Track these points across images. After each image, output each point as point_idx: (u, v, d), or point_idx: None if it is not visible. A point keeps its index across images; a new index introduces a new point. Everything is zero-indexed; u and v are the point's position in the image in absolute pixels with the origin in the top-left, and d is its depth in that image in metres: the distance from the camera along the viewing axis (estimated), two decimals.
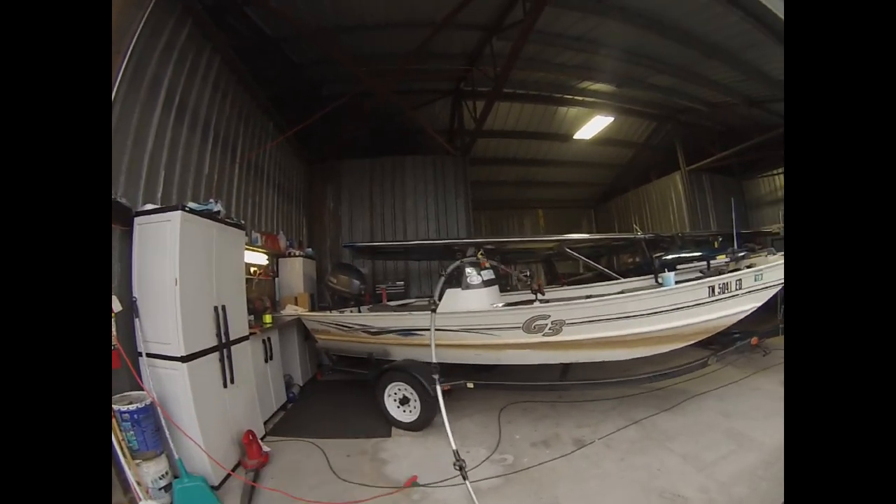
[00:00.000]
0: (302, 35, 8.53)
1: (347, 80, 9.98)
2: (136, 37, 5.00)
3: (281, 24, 8.29)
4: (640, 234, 9.58)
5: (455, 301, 6.41)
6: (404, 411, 6.18)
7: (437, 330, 6.08)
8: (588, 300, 5.96)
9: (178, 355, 4.45)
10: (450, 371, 6.35)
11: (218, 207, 5.42)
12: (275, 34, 8.67)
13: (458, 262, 6.31)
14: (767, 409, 5.31)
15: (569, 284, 10.22)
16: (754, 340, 6.10)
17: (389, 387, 6.25)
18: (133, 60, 5.00)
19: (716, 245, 9.69)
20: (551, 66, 11.22)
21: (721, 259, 7.79)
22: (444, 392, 5.85)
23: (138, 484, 3.89)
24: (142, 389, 4.36)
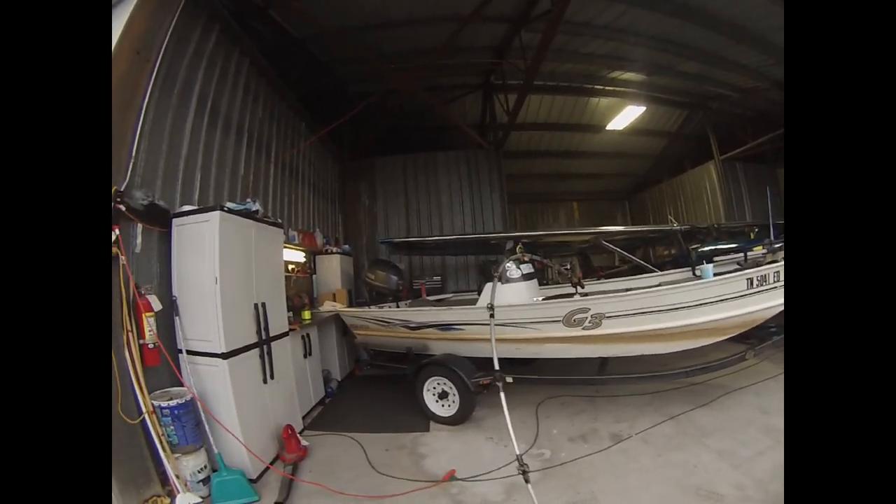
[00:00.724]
0: (326, 34, 8.58)
1: (375, 79, 10.03)
2: (164, 45, 5.09)
3: (305, 24, 8.34)
4: (675, 226, 9.39)
5: (494, 295, 6.39)
6: (443, 406, 6.16)
7: (474, 324, 6.09)
8: (628, 293, 5.87)
9: (219, 352, 4.53)
10: (489, 365, 6.33)
11: (256, 206, 5.50)
12: (300, 35, 8.73)
13: (507, 261, 6.28)
14: None
15: (606, 277, 10.12)
16: None
17: (428, 381, 6.24)
18: (163, 68, 5.10)
19: (752, 236, 9.46)
20: (580, 56, 11.09)
21: (758, 250, 7.66)
22: (483, 386, 5.87)
23: (177, 477, 3.98)
24: (182, 386, 4.46)
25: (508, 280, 6.42)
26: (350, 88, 10.76)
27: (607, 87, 13.28)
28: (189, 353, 4.58)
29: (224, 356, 4.52)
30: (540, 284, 7.85)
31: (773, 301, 5.08)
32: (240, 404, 4.59)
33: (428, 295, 10.48)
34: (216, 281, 4.53)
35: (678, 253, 9.52)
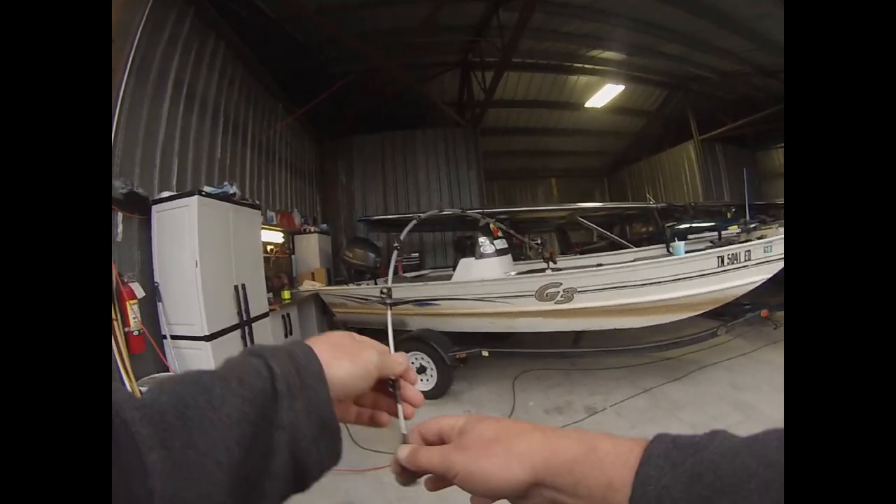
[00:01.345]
0: (304, 15, 8.51)
1: (354, 58, 9.94)
2: (139, 33, 5.09)
3: (283, 4, 8.28)
4: (652, 204, 9.53)
5: (469, 270, 6.51)
6: (421, 380, 6.21)
7: (451, 299, 6.24)
8: (599, 268, 6.04)
9: (202, 335, 4.65)
10: (465, 339, 6.47)
11: (233, 190, 5.57)
12: (278, 16, 8.64)
13: (481, 237, 6.51)
14: (776, 383, 5.26)
15: (582, 253, 10.23)
16: (765, 313, 6.00)
17: (406, 357, 6.30)
18: (138, 56, 5.10)
19: (728, 216, 9.63)
20: (559, 35, 11.06)
21: (733, 230, 7.80)
22: (460, 360, 6.00)
23: None
24: (168, 370, 4.56)
25: (482, 255, 6.52)
26: (330, 69, 10.67)
27: (586, 66, 13.27)
28: (173, 337, 4.70)
29: (207, 338, 4.64)
30: (518, 260, 7.99)
31: (744, 279, 5.22)
32: None
33: (405, 272, 10.54)
34: (196, 264, 4.63)
35: (654, 230, 9.62)
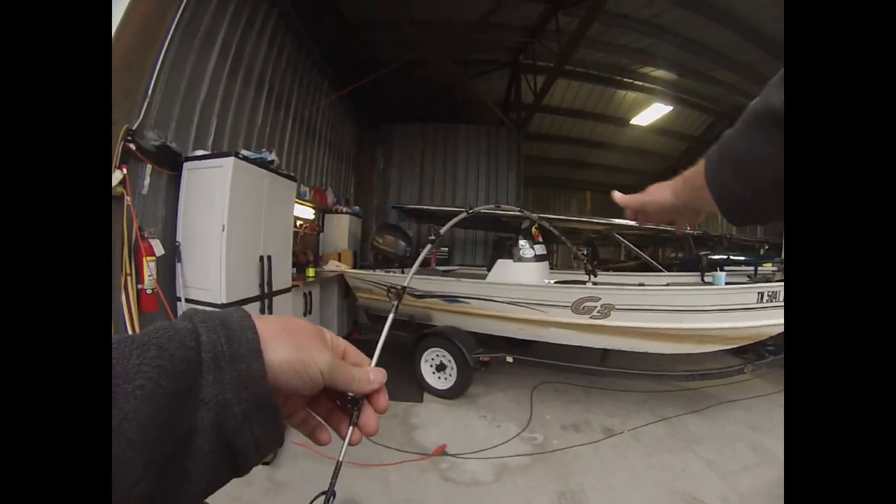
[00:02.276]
0: None
1: (404, 46, 9.78)
2: None
3: None
4: (688, 230, 9.28)
5: (506, 272, 6.40)
6: (439, 378, 6.14)
7: (483, 299, 6.07)
8: (641, 288, 5.83)
9: (219, 302, 4.49)
10: (489, 342, 6.33)
11: (272, 157, 5.41)
12: None
13: (522, 239, 6.35)
14: None
15: (614, 270, 10.04)
16: None
17: (427, 352, 6.21)
18: (188, 12, 4.93)
19: (762, 252, 9.45)
20: (613, 47, 10.79)
21: (768, 267, 7.63)
22: (483, 363, 5.87)
23: None
24: None
25: (521, 258, 6.40)
26: (378, 55, 10.54)
27: (636, 82, 12.94)
28: (188, 301, 4.54)
29: (223, 307, 4.44)
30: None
31: (780, 318, 5.03)
32: None
33: (437, 265, 10.39)
34: (223, 229, 4.47)
35: (686, 257, 9.55)
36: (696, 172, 0.81)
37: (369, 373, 0.62)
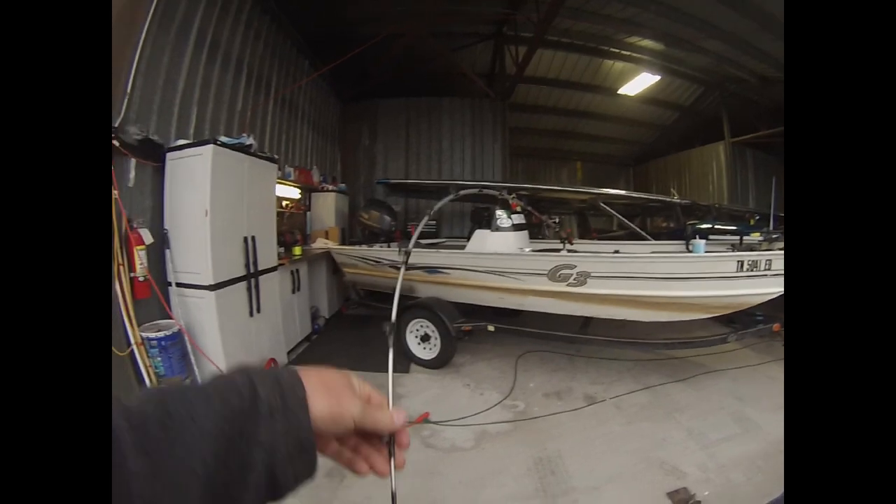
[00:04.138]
0: None
1: (385, 20, 9.78)
2: None
3: None
4: (676, 199, 9.39)
5: (483, 242, 6.46)
6: (424, 348, 6.29)
7: (463, 269, 6.23)
8: (615, 255, 5.94)
9: (206, 284, 4.67)
10: (472, 312, 6.47)
11: (250, 141, 5.51)
12: None
13: (498, 209, 6.48)
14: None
15: (600, 239, 10.13)
16: (776, 327, 5.71)
17: (412, 323, 6.35)
18: (162, 2, 5.01)
19: (751, 223, 9.46)
20: (597, 16, 10.76)
21: (755, 237, 7.59)
22: (465, 332, 6.02)
23: None
24: (170, 318, 4.61)
25: (498, 228, 6.46)
26: (360, 30, 10.51)
27: (623, 52, 12.93)
28: (178, 285, 4.72)
29: (211, 288, 4.66)
30: (534, 239, 7.91)
31: (761, 288, 5.04)
32: (225, 336, 4.76)
33: (421, 238, 10.50)
34: (206, 213, 4.61)
35: (675, 226, 9.52)
36: None
37: (392, 415, 0.72)
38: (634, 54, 12.94)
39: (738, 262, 4.98)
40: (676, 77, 14.08)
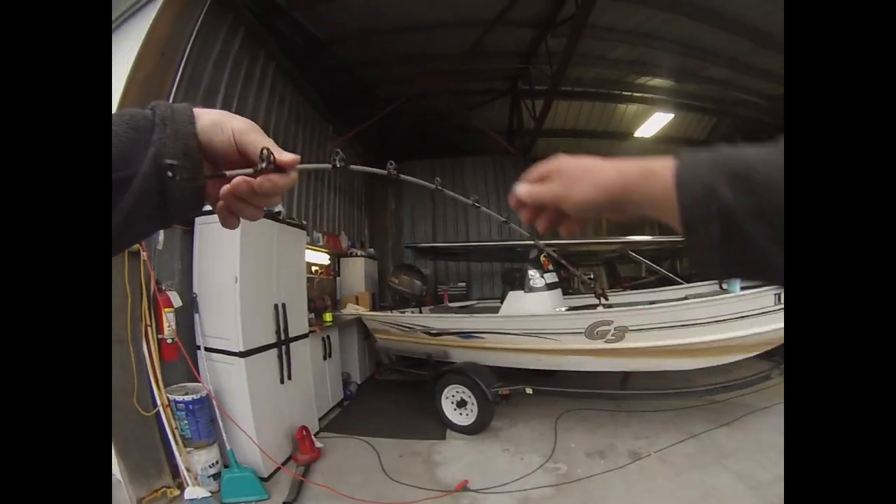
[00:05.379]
0: (351, 37, 8.53)
1: (401, 82, 9.96)
2: (189, 47, 5.13)
3: (327, 25, 8.26)
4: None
5: (517, 304, 6.35)
6: (461, 414, 6.09)
7: (494, 333, 6.10)
8: (651, 306, 5.76)
9: (236, 350, 4.57)
10: (509, 375, 6.30)
11: (279, 208, 5.53)
12: (325, 37, 8.67)
13: (530, 269, 6.38)
14: None
15: (632, 289, 9.93)
16: None
17: (447, 389, 6.17)
18: (188, 69, 5.13)
19: None
20: (606, 61, 10.90)
21: None
22: (502, 397, 5.83)
23: (188, 470, 4.06)
24: (198, 381, 4.52)
25: (531, 289, 6.35)
26: (378, 91, 10.74)
27: (635, 94, 13.01)
28: (207, 349, 4.65)
29: (241, 355, 4.55)
30: (565, 294, 7.75)
31: None
32: (255, 403, 4.62)
33: (452, 301, 10.42)
34: (236, 280, 4.58)
35: None
36: (655, 168, 0.70)
37: (272, 143, 0.72)
38: (646, 95, 13.00)
39: (776, 295, 4.87)
40: (689, 112, 14.03)
